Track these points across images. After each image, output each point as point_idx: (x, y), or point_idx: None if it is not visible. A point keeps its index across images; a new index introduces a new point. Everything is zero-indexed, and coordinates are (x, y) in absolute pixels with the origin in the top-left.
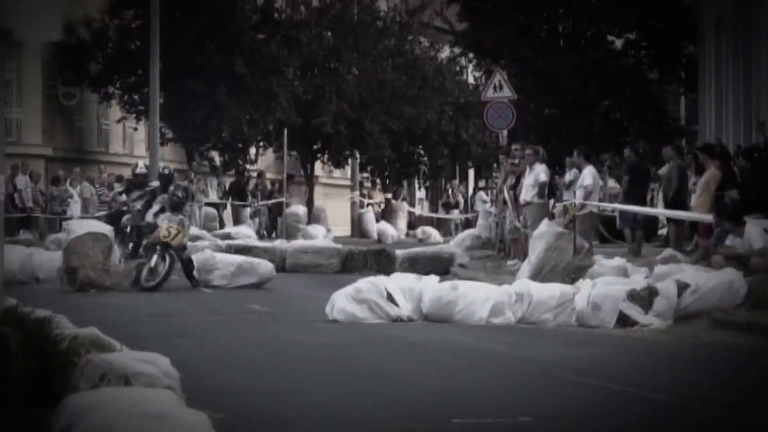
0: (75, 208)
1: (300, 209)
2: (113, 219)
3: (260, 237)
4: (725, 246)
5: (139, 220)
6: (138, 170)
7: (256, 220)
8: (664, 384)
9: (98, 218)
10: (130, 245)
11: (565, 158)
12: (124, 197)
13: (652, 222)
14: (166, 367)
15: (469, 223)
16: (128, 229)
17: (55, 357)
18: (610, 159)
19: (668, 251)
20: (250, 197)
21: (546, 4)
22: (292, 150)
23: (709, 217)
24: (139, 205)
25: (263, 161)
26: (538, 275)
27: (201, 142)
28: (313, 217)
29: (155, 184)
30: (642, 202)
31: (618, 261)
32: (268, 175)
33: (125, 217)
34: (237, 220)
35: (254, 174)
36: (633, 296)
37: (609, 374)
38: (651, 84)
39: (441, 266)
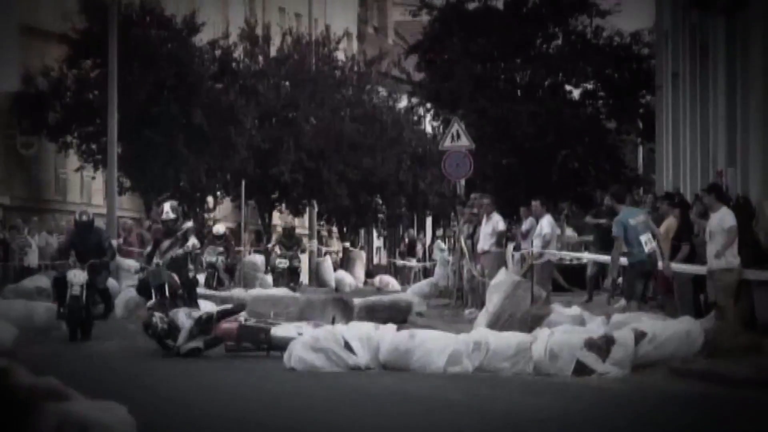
0: (33, 256)
1: (257, 258)
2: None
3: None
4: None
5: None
6: (165, 216)
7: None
8: None
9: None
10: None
11: (521, 207)
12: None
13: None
14: (124, 416)
15: (427, 272)
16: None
17: (13, 406)
18: (567, 208)
19: (624, 301)
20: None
21: (504, 54)
22: (249, 199)
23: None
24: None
25: (221, 210)
26: (495, 324)
27: (159, 192)
28: (270, 266)
29: (188, 225)
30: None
31: (575, 310)
32: (226, 224)
33: (143, 275)
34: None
35: (211, 223)
36: (590, 345)
37: (566, 423)
38: (608, 133)
39: (399, 314)
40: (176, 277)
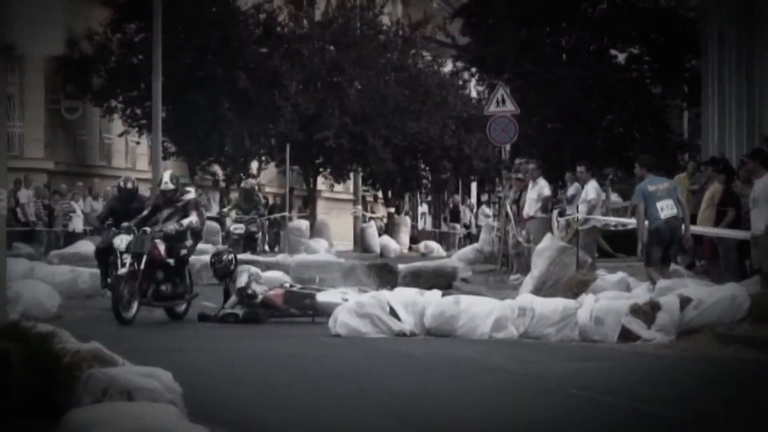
0: (77, 222)
1: (302, 223)
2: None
3: (263, 251)
4: None
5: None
6: (164, 186)
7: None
8: (667, 398)
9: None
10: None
11: (566, 173)
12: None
13: None
14: (169, 382)
15: (472, 237)
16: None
17: (58, 371)
18: (613, 173)
19: (672, 266)
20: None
21: (549, 18)
22: (294, 164)
23: (714, 231)
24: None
25: (265, 175)
26: (540, 290)
27: (203, 156)
28: (315, 231)
29: (189, 197)
30: None
31: (620, 275)
32: (270, 190)
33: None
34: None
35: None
36: (636, 311)
37: (611, 389)
38: (654, 98)
39: (443, 280)
40: (162, 250)
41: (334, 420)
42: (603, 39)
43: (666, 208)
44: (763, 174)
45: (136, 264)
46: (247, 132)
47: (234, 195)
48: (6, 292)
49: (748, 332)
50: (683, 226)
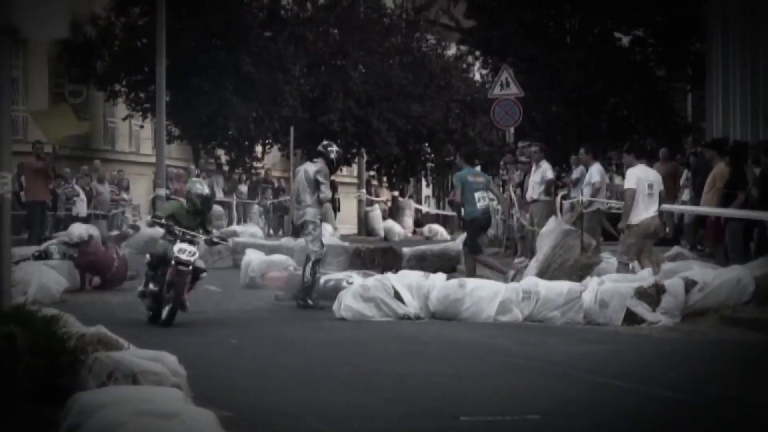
0: (81, 206)
1: None
2: None
3: (266, 235)
4: None
5: None
6: None
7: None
8: (673, 381)
9: None
10: None
11: (571, 155)
12: None
13: None
14: (174, 365)
15: None
16: None
17: (63, 355)
18: (616, 156)
19: (676, 248)
20: (259, 195)
21: (553, 1)
22: (298, 148)
23: (717, 211)
24: None
25: (269, 159)
26: (545, 273)
27: (207, 140)
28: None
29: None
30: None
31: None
32: (275, 173)
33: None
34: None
35: (262, 172)
36: (641, 293)
37: (617, 371)
38: (658, 81)
39: (448, 264)
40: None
41: (339, 403)
42: (607, 22)
43: (482, 199)
44: None
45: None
46: (252, 116)
47: (242, 187)
48: (11, 276)
49: (752, 315)
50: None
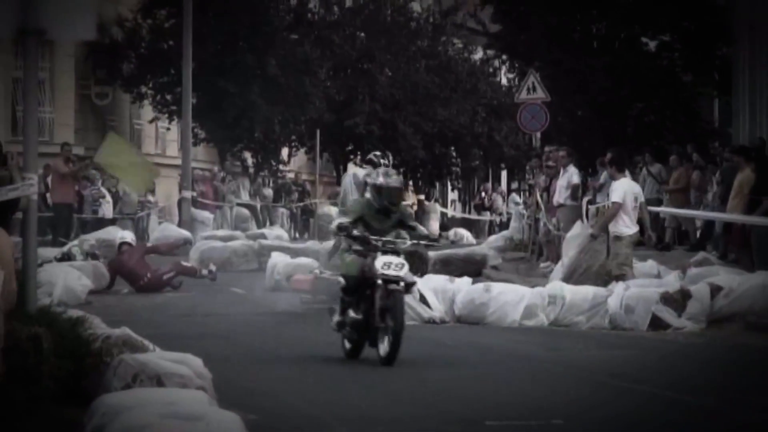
0: (107, 208)
1: (332, 210)
2: None
3: (292, 238)
4: None
5: None
6: None
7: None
8: (697, 387)
9: None
10: None
11: (597, 160)
12: None
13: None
14: (199, 368)
15: (502, 225)
16: None
17: (88, 357)
18: (642, 161)
19: (701, 254)
20: (284, 198)
21: (579, 5)
22: (324, 151)
23: (743, 218)
24: None
25: (295, 162)
26: (571, 277)
27: (233, 143)
28: None
29: None
30: None
31: (650, 263)
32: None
33: None
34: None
35: (289, 175)
36: (666, 299)
37: (642, 377)
38: (685, 86)
39: (473, 268)
40: None
41: (363, 406)
42: (634, 27)
43: None
44: None
45: None
46: (278, 118)
47: (266, 191)
48: (37, 276)
49: None
50: None
